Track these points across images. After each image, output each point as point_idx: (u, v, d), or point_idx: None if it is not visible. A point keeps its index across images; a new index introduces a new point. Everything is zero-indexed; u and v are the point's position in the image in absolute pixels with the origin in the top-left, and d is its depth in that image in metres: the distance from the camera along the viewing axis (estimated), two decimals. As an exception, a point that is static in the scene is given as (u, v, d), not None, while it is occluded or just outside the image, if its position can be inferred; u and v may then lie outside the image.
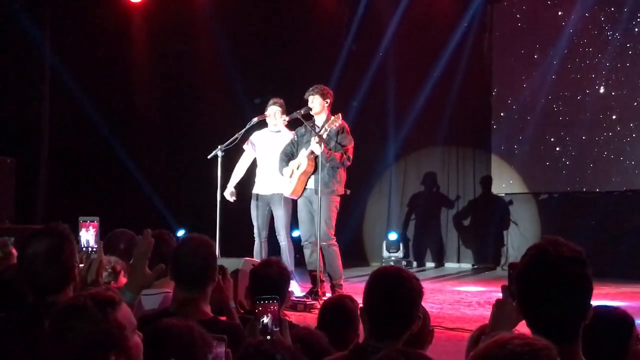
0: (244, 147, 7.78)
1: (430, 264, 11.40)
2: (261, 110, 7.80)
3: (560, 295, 2.08)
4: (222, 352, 2.56)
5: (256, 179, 7.67)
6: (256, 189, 7.62)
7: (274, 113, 7.54)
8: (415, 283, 2.67)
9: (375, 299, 2.63)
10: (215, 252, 3.18)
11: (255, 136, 7.73)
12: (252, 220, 7.58)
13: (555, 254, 2.11)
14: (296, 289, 7.15)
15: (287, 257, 7.27)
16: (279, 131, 7.60)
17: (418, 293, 2.67)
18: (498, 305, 2.35)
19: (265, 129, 7.70)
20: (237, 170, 7.84)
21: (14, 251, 3.64)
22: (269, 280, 3.24)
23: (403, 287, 2.62)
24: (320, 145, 6.79)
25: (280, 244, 7.44)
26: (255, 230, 7.53)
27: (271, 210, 7.52)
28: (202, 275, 3.09)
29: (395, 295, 2.60)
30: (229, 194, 7.72)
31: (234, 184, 7.78)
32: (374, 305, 2.62)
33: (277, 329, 2.60)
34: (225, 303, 3.31)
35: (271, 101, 7.60)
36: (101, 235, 9.42)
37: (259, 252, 7.40)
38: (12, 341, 2.59)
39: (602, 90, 10.04)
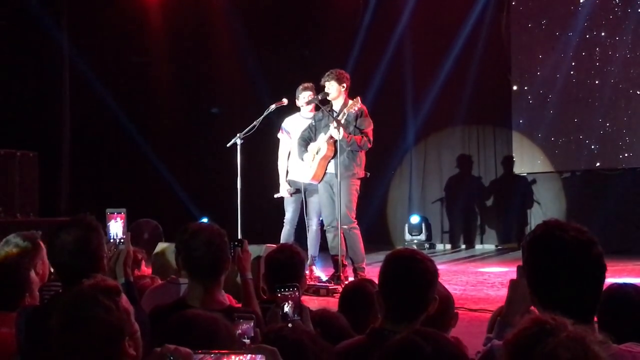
0: (279, 135, 7.67)
1: (453, 246, 11.37)
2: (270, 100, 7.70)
3: (574, 280, 2.06)
4: (249, 328, 2.61)
5: (289, 166, 7.58)
6: (291, 176, 7.53)
7: (307, 98, 7.38)
8: (430, 265, 2.66)
9: (389, 282, 2.63)
10: (227, 241, 3.15)
11: (288, 123, 7.61)
12: (285, 206, 7.55)
13: (565, 238, 2.08)
14: (320, 274, 7.18)
15: (315, 241, 7.29)
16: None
17: (433, 275, 2.65)
18: (513, 286, 2.34)
19: (297, 114, 7.58)
20: (281, 163, 7.64)
21: (42, 244, 3.69)
22: (281, 264, 3.25)
23: (417, 269, 2.61)
24: (339, 130, 6.77)
25: (310, 228, 7.41)
26: (289, 216, 7.49)
27: (303, 197, 7.51)
28: (215, 266, 3.08)
29: (410, 277, 2.59)
30: (287, 191, 7.53)
31: (285, 178, 7.58)
32: (388, 288, 2.62)
33: (298, 318, 2.62)
34: (242, 273, 3.33)
35: (301, 87, 7.48)
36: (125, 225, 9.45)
37: (288, 237, 7.40)
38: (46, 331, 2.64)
39: (622, 65, 9.91)
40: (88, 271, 2.75)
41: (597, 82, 10.10)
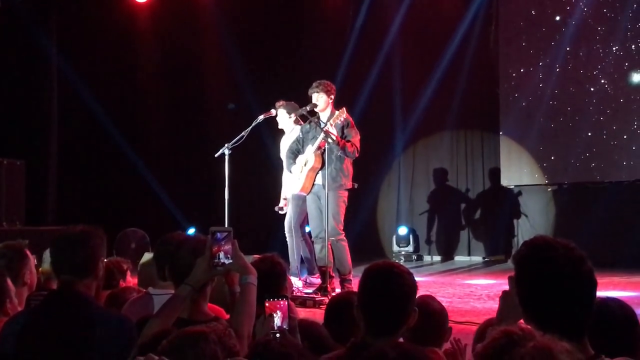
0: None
1: (440, 258, 11.39)
2: (262, 108, 7.80)
3: (565, 299, 2.05)
4: (230, 249, 2.77)
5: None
6: (283, 192, 7.75)
7: (282, 116, 7.61)
8: (408, 278, 2.64)
9: (368, 296, 2.62)
10: None
11: (282, 141, 7.83)
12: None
13: (553, 257, 2.07)
14: (297, 282, 7.18)
15: (291, 253, 7.31)
16: (292, 131, 7.65)
17: (411, 288, 2.64)
18: (505, 297, 2.31)
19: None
20: (283, 179, 7.86)
21: (29, 254, 3.68)
22: (262, 274, 3.23)
23: (395, 283, 2.59)
24: (330, 136, 6.78)
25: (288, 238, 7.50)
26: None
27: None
28: None
29: (388, 291, 2.58)
30: (277, 209, 7.73)
31: (285, 195, 7.77)
32: (367, 302, 2.61)
33: (287, 328, 2.61)
34: (231, 287, 3.32)
35: (276, 105, 7.68)
36: (112, 235, 9.45)
37: (292, 249, 7.46)
38: (44, 327, 2.70)
39: (610, 78, 9.98)
40: (81, 267, 2.83)
41: (584, 95, 10.16)
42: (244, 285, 2.84)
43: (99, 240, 2.91)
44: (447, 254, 11.39)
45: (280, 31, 11.80)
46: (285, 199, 7.73)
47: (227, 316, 3.22)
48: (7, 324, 2.82)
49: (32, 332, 2.72)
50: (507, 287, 2.33)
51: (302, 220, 7.50)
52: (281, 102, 7.66)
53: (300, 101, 7.50)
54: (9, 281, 3.33)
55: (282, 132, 7.84)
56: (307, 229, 7.55)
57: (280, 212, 7.76)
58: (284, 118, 7.65)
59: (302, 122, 7.51)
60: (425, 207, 11.56)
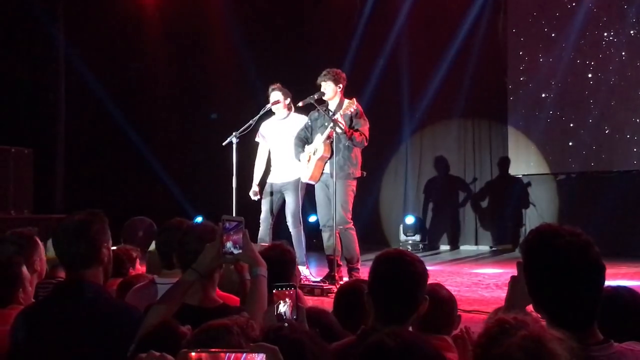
0: (257, 139, 7.70)
1: (448, 247, 11.39)
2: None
3: (574, 287, 2.05)
4: (239, 238, 2.73)
5: (271, 169, 7.63)
6: (270, 178, 7.56)
7: (277, 99, 7.44)
8: (418, 265, 2.66)
9: (378, 283, 2.63)
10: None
11: (264, 127, 7.63)
12: (262, 206, 7.55)
13: (560, 244, 2.07)
14: (305, 272, 7.16)
15: (297, 244, 7.27)
16: (286, 117, 7.52)
17: (421, 276, 2.65)
18: (513, 282, 2.32)
19: (273, 117, 7.58)
20: (256, 165, 7.71)
21: (39, 241, 3.69)
22: (272, 262, 3.24)
23: (405, 270, 2.61)
24: (338, 125, 6.74)
25: (290, 231, 7.43)
26: (262, 216, 7.50)
27: (283, 198, 7.49)
28: None
29: (398, 279, 2.59)
30: (253, 194, 7.60)
31: (257, 181, 7.65)
32: (377, 289, 2.62)
33: (295, 317, 2.61)
34: (241, 274, 3.32)
35: (270, 88, 7.50)
36: (120, 223, 9.39)
37: (264, 237, 7.39)
38: (54, 318, 2.71)
39: (618, 67, 9.92)
40: (85, 255, 2.81)
41: (592, 84, 10.12)
42: (254, 277, 2.85)
43: (99, 226, 2.85)
44: (454, 243, 11.38)
45: (288, 19, 11.78)
46: (258, 185, 7.62)
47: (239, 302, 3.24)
48: (19, 315, 2.83)
49: (43, 323, 2.73)
50: (515, 274, 2.34)
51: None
52: (277, 85, 7.51)
53: (308, 89, 7.44)
54: (25, 269, 3.33)
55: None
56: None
57: (255, 197, 7.62)
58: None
59: (292, 109, 7.46)
60: (432, 196, 11.55)
